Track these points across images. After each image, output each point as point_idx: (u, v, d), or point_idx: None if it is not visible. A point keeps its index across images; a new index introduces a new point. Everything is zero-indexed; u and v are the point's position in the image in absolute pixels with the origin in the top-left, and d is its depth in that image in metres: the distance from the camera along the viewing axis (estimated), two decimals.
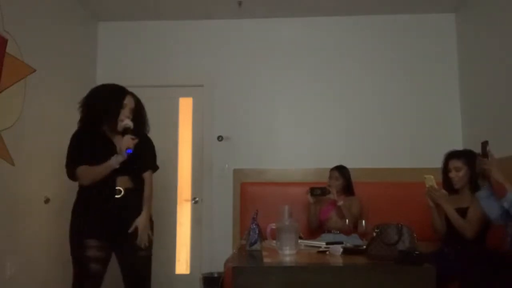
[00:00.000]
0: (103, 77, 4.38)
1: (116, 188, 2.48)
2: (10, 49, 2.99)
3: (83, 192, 2.52)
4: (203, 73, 4.41)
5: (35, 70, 3.26)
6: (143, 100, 2.73)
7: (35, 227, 3.27)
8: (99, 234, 2.43)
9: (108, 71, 4.42)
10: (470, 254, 2.62)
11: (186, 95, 4.46)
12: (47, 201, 3.38)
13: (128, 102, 2.55)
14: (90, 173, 2.45)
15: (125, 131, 2.48)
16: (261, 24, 4.44)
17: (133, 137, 2.47)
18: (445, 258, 2.65)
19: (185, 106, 4.46)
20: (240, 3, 3.99)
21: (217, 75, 4.40)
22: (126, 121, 2.49)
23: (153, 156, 2.71)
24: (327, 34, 4.41)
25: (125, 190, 2.50)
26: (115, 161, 2.42)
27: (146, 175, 2.63)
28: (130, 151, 2.42)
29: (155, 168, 2.71)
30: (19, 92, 3.11)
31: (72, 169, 2.48)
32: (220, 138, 4.33)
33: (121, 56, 4.46)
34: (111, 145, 2.51)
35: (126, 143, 2.43)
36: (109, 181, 2.46)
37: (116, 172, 2.46)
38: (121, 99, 2.53)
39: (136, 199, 2.56)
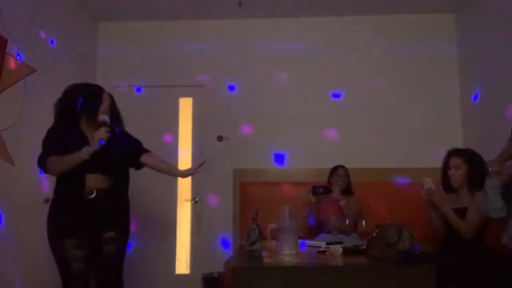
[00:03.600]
0: (103, 77, 4.40)
1: (88, 189, 2.46)
2: (10, 49, 2.99)
3: (57, 191, 2.53)
4: (203, 73, 4.41)
5: (35, 70, 3.25)
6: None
7: (35, 227, 3.27)
8: (75, 233, 2.42)
9: (108, 71, 4.43)
10: (469, 254, 2.62)
11: (186, 95, 4.45)
12: (47, 201, 3.37)
13: (105, 99, 2.62)
14: (59, 162, 2.43)
15: (101, 125, 2.49)
16: (261, 24, 4.44)
17: (107, 129, 2.47)
18: (445, 258, 2.65)
19: (185, 106, 4.45)
20: (240, 3, 3.98)
21: (217, 75, 4.40)
22: (103, 116, 2.52)
23: (140, 143, 2.76)
24: (327, 34, 4.41)
25: (99, 190, 2.48)
26: (85, 152, 2.38)
27: (145, 158, 2.69)
28: (103, 142, 2.41)
29: (146, 150, 2.74)
30: (19, 92, 3.11)
31: (43, 160, 2.48)
32: (220, 138, 4.33)
33: (121, 56, 4.46)
34: (86, 141, 2.48)
35: (99, 134, 2.43)
36: (78, 179, 2.45)
37: (86, 170, 2.44)
38: (100, 95, 2.60)
39: (112, 200, 2.53)
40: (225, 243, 4.17)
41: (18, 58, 3.10)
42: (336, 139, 4.25)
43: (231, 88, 4.39)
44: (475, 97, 3.98)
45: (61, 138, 2.50)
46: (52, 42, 3.59)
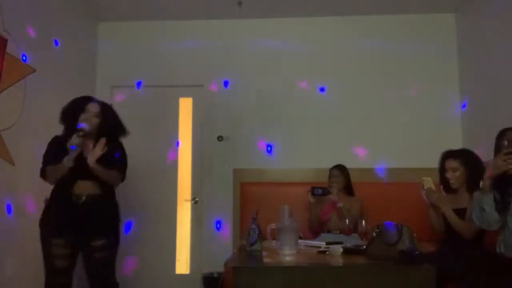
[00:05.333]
0: (103, 77, 4.41)
1: (76, 194, 2.60)
2: (10, 49, 2.99)
3: (52, 193, 2.70)
4: (203, 73, 4.41)
5: (35, 70, 3.26)
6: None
7: (35, 227, 3.26)
8: (63, 233, 2.59)
9: (108, 71, 4.43)
10: (469, 254, 2.62)
11: (186, 95, 4.46)
12: (47, 201, 3.37)
13: (91, 107, 2.71)
14: (52, 171, 2.62)
15: (79, 132, 2.60)
16: (261, 24, 4.44)
17: (79, 133, 2.57)
18: (445, 258, 2.65)
19: (185, 106, 4.45)
20: (240, 3, 3.99)
21: (217, 75, 4.40)
22: (80, 123, 2.63)
23: (122, 162, 2.80)
24: (327, 34, 4.41)
25: (89, 196, 2.62)
26: (65, 160, 2.54)
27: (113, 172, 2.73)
28: (74, 147, 2.54)
29: (122, 171, 2.77)
30: (19, 92, 3.11)
31: (43, 168, 2.67)
32: (220, 138, 4.32)
33: (121, 56, 4.46)
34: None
35: (71, 140, 2.55)
36: (67, 185, 2.60)
37: (76, 176, 2.59)
38: (81, 106, 2.70)
39: (101, 206, 2.66)
40: (225, 244, 4.16)
41: (19, 58, 3.10)
42: (336, 139, 4.25)
43: (231, 88, 4.38)
44: (475, 97, 3.98)
45: (56, 149, 2.65)
46: (52, 42, 3.60)
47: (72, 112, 2.69)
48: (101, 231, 2.67)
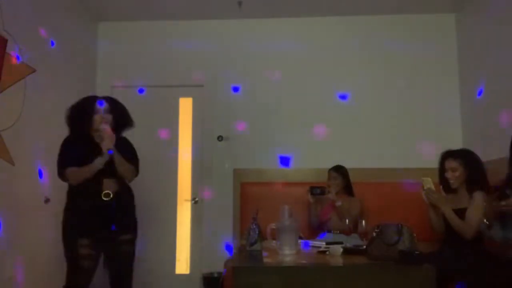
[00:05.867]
0: (103, 77, 4.41)
1: (105, 191, 2.62)
2: (10, 49, 2.99)
3: (74, 193, 2.68)
4: (203, 73, 4.41)
5: (35, 70, 3.26)
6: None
7: (35, 227, 3.27)
8: (90, 234, 2.59)
9: (108, 71, 4.43)
10: (469, 254, 2.62)
11: (186, 95, 4.46)
12: (47, 201, 3.38)
13: (98, 109, 2.71)
14: (77, 174, 2.61)
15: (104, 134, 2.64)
16: (261, 24, 4.44)
17: (112, 137, 2.61)
18: (445, 258, 2.65)
19: (185, 106, 4.45)
20: (240, 3, 3.98)
21: (217, 75, 4.40)
22: (103, 126, 2.65)
23: (135, 156, 2.84)
24: (327, 34, 4.42)
25: (114, 193, 2.65)
26: (98, 162, 2.59)
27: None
28: (111, 152, 2.59)
29: (136, 164, 2.82)
30: (19, 92, 3.11)
31: (62, 171, 2.64)
32: (220, 138, 4.33)
33: (121, 56, 4.46)
34: (97, 148, 2.63)
35: (106, 145, 2.60)
36: (95, 183, 2.61)
37: (102, 174, 2.61)
38: (91, 105, 2.70)
39: (125, 202, 2.74)
40: (225, 243, 4.16)
41: (18, 58, 3.10)
42: (336, 139, 4.25)
43: (231, 88, 4.38)
44: (475, 97, 3.98)
45: (75, 150, 2.66)
46: (52, 42, 3.59)
47: (82, 114, 2.69)
48: (128, 226, 2.76)
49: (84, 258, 2.57)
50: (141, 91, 4.40)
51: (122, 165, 2.68)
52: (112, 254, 2.72)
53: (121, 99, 2.89)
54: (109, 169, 2.62)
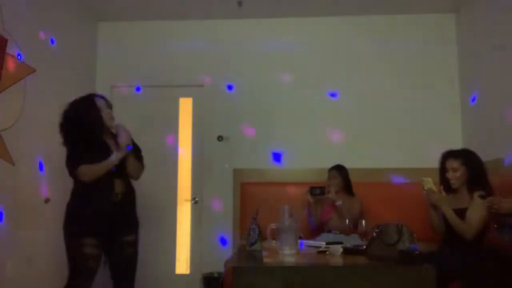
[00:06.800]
0: (103, 77, 4.41)
1: (115, 192, 2.61)
2: (10, 49, 2.99)
3: (80, 193, 2.63)
4: (203, 73, 4.41)
5: (35, 70, 3.25)
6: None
7: (35, 227, 3.27)
8: (96, 233, 2.57)
9: (108, 71, 4.43)
10: (469, 254, 2.62)
11: (186, 95, 4.46)
12: (47, 201, 3.38)
13: (99, 103, 2.69)
14: (92, 170, 2.57)
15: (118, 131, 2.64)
16: (261, 24, 4.44)
17: (129, 133, 2.63)
18: (445, 258, 2.65)
19: (185, 106, 4.45)
20: (240, 3, 3.99)
21: (217, 75, 4.40)
22: (116, 123, 2.66)
23: (139, 152, 2.84)
24: (327, 34, 4.42)
25: (122, 194, 2.65)
26: (115, 157, 2.58)
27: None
28: (130, 147, 2.60)
29: (142, 161, 2.83)
30: (19, 92, 3.11)
31: (74, 168, 2.59)
32: (220, 138, 4.33)
33: (121, 56, 4.46)
34: (106, 146, 2.64)
35: (125, 141, 2.59)
36: (107, 183, 2.59)
37: (113, 175, 2.60)
38: (92, 109, 2.64)
39: (131, 203, 2.75)
40: (225, 243, 4.17)
41: (18, 58, 3.10)
42: (336, 139, 4.25)
43: (231, 88, 4.39)
44: (475, 97, 3.98)
45: (85, 149, 2.60)
46: (52, 42, 3.59)
47: (90, 118, 2.62)
48: (131, 226, 2.75)
49: (90, 259, 2.55)
50: (140, 91, 4.40)
51: (133, 163, 2.68)
52: (116, 256, 2.70)
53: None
54: (118, 169, 2.62)
